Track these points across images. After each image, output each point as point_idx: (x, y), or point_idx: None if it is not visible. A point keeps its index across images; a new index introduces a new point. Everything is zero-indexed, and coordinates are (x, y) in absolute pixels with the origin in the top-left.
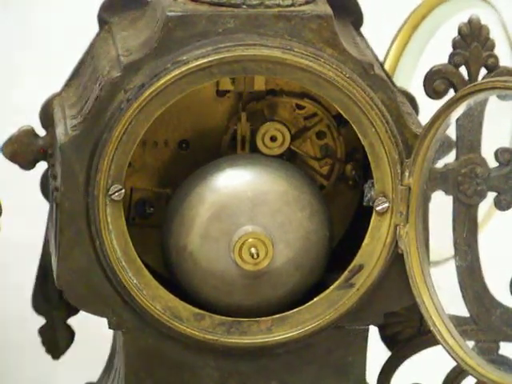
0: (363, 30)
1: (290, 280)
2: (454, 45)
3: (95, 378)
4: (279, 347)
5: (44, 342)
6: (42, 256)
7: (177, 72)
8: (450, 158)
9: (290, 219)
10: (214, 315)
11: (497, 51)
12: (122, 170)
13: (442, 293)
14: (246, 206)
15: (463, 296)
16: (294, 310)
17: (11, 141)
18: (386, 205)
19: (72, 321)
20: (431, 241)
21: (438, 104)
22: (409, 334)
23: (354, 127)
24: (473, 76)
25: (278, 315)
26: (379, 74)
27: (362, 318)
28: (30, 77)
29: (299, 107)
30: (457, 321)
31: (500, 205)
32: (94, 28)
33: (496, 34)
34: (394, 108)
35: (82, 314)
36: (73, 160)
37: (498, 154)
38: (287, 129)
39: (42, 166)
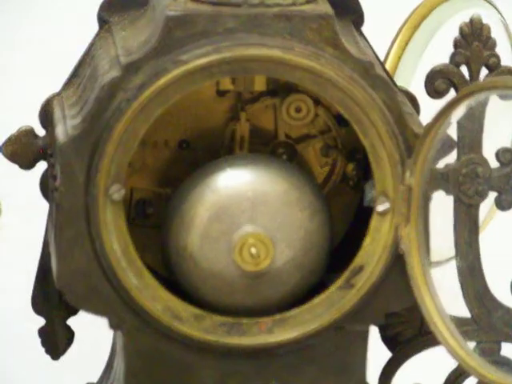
0: (364, 29)
1: (290, 280)
2: (455, 44)
3: (95, 378)
4: (279, 348)
5: (44, 343)
6: (41, 256)
7: (177, 72)
8: (451, 158)
9: (290, 219)
10: (214, 316)
11: (498, 51)
12: (121, 170)
13: (443, 293)
14: (246, 206)
15: (464, 296)
16: (295, 310)
17: (11, 141)
18: (387, 205)
19: (72, 321)
20: (432, 241)
21: (439, 104)
22: (410, 334)
23: (355, 127)
24: (474, 76)
25: (278, 316)
26: (380, 73)
27: (362, 319)
28: (29, 76)
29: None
30: (458, 321)
31: (501, 205)
32: (94, 28)
33: (497, 34)
34: (394, 108)
35: (81, 313)
36: (73, 160)
37: (499, 154)
38: (312, 100)
39: (42, 165)
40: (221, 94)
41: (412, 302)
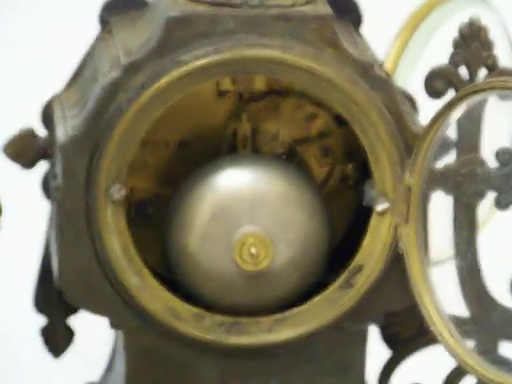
0: (363, 29)
1: (289, 280)
2: (454, 45)
3: (95, 378)
4: (279, 347)
5: (44, 342)
6: (42, 256)
7: (177, 72)
8: (450, 158)
9: (290, 219)
10: (214, 315)
11: (497, 51)
12: (122, 170)
13: (442, 293)
14: (245, 206)
15: (463, 296)
16: (294, 309)
17: (12, 141)
18: (386, 205)
19: (72, 321)
20: (431, 241)
21: (438, 104)
22: (409, 333)
23: (354, 127)
24: (473, 76)
25: (278, 315)
26: (379, 74)
27: (361, 318)
28: (30, 77)
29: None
30: (457, 321)
31: (500, 204)
32: (95, 28)
33: (496, 35)
34: (394, 108)
35: (82, 313)
36: (73, 160)
37: (497, 154)
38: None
39: (43, 165)
40: (221, 94)
41: (411, 301)
